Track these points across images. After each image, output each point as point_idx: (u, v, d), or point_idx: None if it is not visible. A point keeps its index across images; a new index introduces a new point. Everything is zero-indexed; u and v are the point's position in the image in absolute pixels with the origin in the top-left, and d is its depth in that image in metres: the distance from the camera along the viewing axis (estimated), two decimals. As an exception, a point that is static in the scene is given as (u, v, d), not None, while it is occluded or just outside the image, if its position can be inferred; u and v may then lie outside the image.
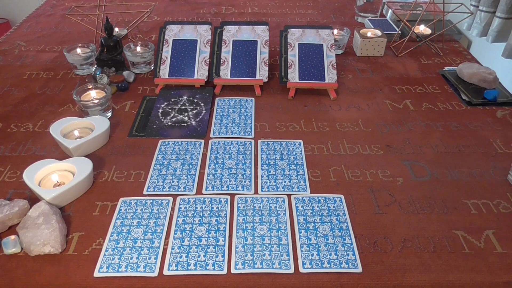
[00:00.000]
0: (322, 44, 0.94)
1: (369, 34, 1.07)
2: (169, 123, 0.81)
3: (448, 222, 0.61)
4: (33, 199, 0.63)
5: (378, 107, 0.87)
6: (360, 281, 0.53)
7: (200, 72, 0.92)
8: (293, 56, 0.93)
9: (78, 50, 0.99)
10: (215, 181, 0.67)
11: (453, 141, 0.77)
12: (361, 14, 1.29)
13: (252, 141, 0.77)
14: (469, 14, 1.08)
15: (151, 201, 0.64)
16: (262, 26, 0.96)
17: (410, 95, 0.91)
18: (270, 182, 0.67)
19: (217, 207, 0.63)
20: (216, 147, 0.75)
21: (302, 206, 0.63)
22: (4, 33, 1.22)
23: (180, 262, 0.55)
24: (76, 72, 0.98)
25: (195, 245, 0.57)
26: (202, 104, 0.86)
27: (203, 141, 0.77)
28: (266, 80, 0.91)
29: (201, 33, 0.95)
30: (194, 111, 0.84)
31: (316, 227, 0.60)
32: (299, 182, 0.67)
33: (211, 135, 0.78)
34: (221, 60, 0.93)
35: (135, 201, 0.64)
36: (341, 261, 0.55)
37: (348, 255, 0.56)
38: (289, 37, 0.95)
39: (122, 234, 0.58)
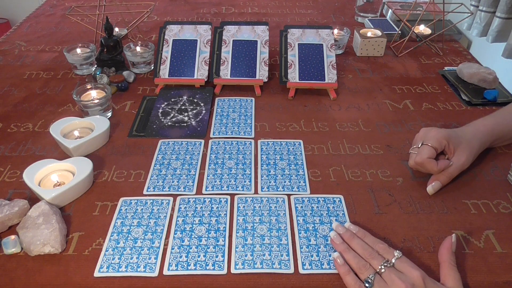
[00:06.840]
0: (322, 44, 0.94)
1: (369, 34, 1.07)
2: (169, 123, 0.81)
3: (448, 222, 0.61)
4: (33, 199, 0.63)
5: (378, 107, 0.87)
6: (360, 281, 0.53)
7: (200, 72, 0.92)
8: (293, 56, 0.93)
9: (78, 50, 0.99)
10: (215, 181, 0.68)
11: (453, 141, 0.77)
12: (361, 14, 1.29)
13: (252, 141, 0.77)
14: (469, 14, 1.08)
15: (151, 201, 0.64)
16: (262, 26, 0.96)
17: (410, 95, 0.91)
18: (270, 182, 0.67)
19: (217, 207, 0.63)
20: (216, 147, 0.75)
21: (301, 207, 0.63)
22: (4, 33, 1.22)
23: (180, 262, 0.55)
24: (76, 72, 0.98)
25: (195, 245, 0.57)
26: (202, 104, 0.86)
27: (203, 141, 0.77)
28: (266, 80, 0.91)
29: (201, 33, 0.95)
30: (194, 111, 0.84)
31: (316, 227, 0.60)
32: (299, 182, 0.67)
33: (211, 135, 0.78)
34: (221, 60, 0.93)
35: (135, 201, 0.64)
36: (341, 261, 0.55)
37: (348, 255, 0.56)
38: (289, 37, 0.95)
39: (122, 234, 0.58)
